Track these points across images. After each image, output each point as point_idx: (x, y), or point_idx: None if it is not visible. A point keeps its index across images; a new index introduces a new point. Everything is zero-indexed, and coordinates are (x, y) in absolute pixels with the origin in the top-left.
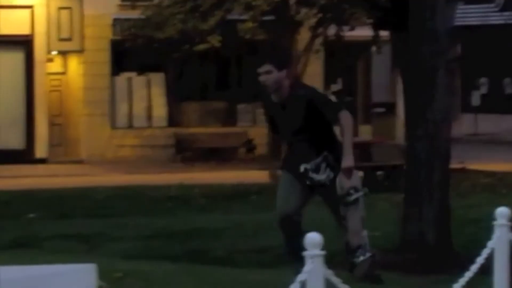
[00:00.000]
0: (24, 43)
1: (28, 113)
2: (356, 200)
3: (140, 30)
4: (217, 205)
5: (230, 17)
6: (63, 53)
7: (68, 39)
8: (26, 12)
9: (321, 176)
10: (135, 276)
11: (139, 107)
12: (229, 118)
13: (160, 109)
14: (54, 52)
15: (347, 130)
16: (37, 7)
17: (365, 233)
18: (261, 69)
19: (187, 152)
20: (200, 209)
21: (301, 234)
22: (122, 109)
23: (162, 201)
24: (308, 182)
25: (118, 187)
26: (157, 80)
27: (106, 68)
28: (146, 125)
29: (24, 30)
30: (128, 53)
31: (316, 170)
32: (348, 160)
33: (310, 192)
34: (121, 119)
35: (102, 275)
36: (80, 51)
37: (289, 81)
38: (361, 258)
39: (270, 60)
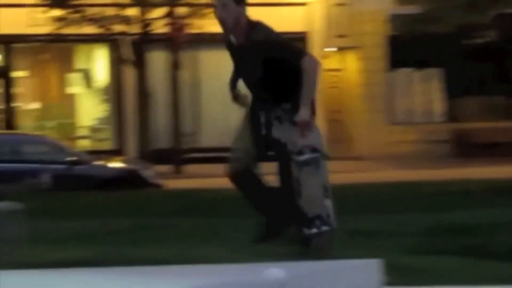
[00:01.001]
0: (299, 40)
1: None
2: (311, 161)
3: (417, 25)
4: (497, 200)
5: (507, 10)
6: (339, 50)
7: (345, 36)
8: (301, 9)
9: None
10: (418, 271)
11: (415, 103)
12: (509, 113)
13: (437, 105)
14: (330, 49)
15: (308, 77)
16: (313, 4)
17: (328, 202)
18: (217, 2)
19: (465, 147)
20: (478, 204)
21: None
22: (399, 104)
23: (439, 196)
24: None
25: (395, 183)
26: (435, 75)
27: (382, 64)
28: (423, 121)
29: (299, 27)
30: (405, 48)
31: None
32: (304, 113)
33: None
34: (398, 115)
35: (386, 270)
36: (356, 48)
37: (246, 20)
38: (314, 230)
39: None
